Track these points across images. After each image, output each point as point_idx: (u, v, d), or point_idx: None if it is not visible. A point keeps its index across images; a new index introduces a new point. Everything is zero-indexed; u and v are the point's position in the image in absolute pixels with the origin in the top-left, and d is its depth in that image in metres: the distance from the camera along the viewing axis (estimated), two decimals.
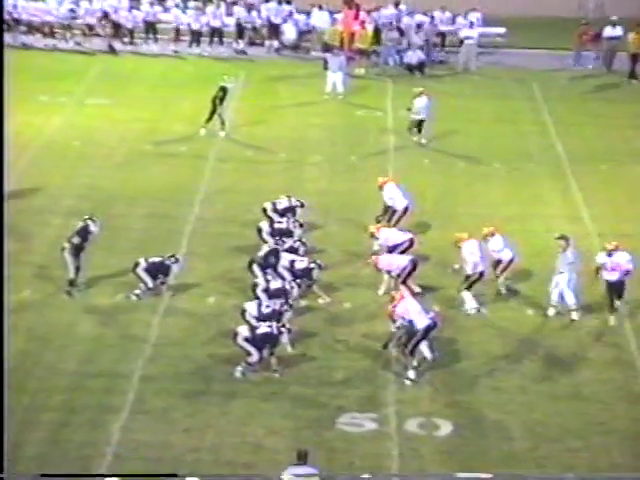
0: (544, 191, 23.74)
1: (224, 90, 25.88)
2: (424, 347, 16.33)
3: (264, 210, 20.24)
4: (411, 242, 19.15)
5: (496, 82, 32.13)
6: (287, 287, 17.54)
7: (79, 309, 18.00)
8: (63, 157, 24.81)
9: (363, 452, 14.49)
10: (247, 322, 16.49)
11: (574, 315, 18.02)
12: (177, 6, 35.22)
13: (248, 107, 28.95)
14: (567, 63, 33.32)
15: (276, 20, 34.68)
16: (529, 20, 35.64)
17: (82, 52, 33.66)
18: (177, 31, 34.37)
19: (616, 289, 17.80)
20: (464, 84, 31.95)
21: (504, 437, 14.95)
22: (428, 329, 16.11)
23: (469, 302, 18.02)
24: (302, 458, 13.08)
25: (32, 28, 34.47)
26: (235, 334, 16.10)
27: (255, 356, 15.98)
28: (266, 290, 17.52)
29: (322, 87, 29.91)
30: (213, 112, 25.84)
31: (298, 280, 18.01)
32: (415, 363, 16.09)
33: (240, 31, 34.48)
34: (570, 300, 18.01)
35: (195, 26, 33.99)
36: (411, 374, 16.02)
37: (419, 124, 25.77)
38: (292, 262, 18.24)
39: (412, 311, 16.20)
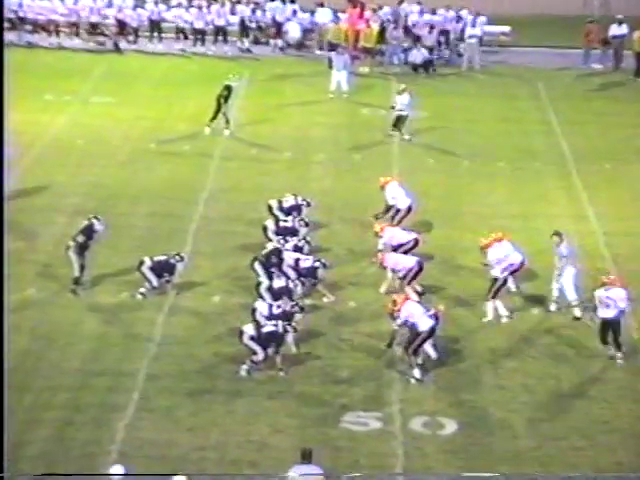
0: (549, 190, 23.72)
1: (229, 89, 25.89)
2: (428, 346, 16.32)
3: (269, 208, 20.25)
4: (416, 242, 19.14)
5: (501, 81, 32.12)
6: (291, 286, 17.54)
7: (83, 308, 18.02)
8: (68, 155, 24.84)
9: (368, 451, 14.49)
10: (255, 321, 16.48)
11: (577, 312, 17.99)
12: (181, 5, 35.24)
13: (253, 106, 28.96)
14: (577, 62, 33.27)
15: (281, 19, 34.70)
16: (534, 18, 35.62)
17: (87, 51, 33.68)
18: (182, 30, 34.39)
19: (613, 328, 16.40)
20: (468, 83, 31.94)
21: (509, 436, 14.93)
22: (432, 330, 16.11)
23: (490, 313, 17.63)
24: (306, 457, 13.08)
25: (37, 26, 34.51)
26: (241, 333, 16.11)
27: (260, 355, 15.99)
28: (269, 289, 17.52)
29: (327, 86, 29.91)
30: (218, 111, 25.84)
31: (303, 279, 18.01)
32: (420, 361, 16.09)
33: (245, 30, 34.49)
34: (571, 296, 17.97)
35: (199, 25, 34.00)
36: (416, 373, 16.02)
37: (400, 120, 25.66)
38: (297, 261, 18.24)
39: (415, 314, 16.19)
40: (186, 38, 34.35)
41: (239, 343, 16.23)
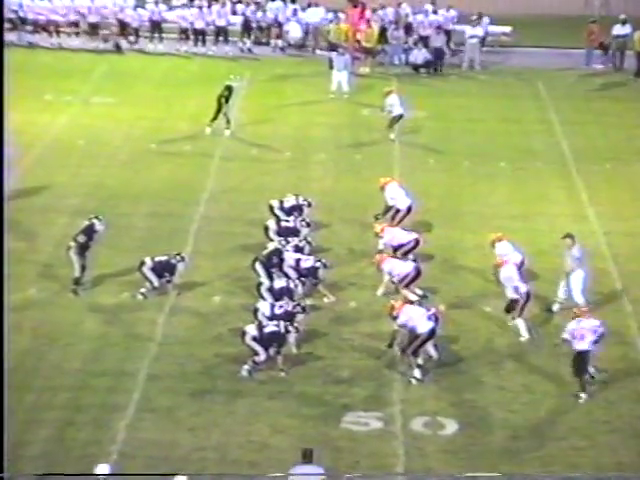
0: (549, 190, 23.72)
1: (229, 89, 25.90)
2: (430, 346, 16.32)
3: (271, 208, 20.25)
4: (416, 242, 19.13)
5: (501, 81, 32.12)
6: (291, 286, 17.53)
7: (84, 308, 18.01)
8: (68, 156, 24.84)
9: (368, 451, 14.48)
10: (257, 321, 16.47)
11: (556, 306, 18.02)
12: (183, 5, 35.26)
13: (253, 106, 28.97)
14: (578, 62, 33.27)
15: (282, 19, 34.71)
16: (534, 19, 35.61)
17: (87, 51, 33.68)
18: (183, 30, 34.38)
19: (585, 359, 15.73)
20: (469, 83, 31.94)
21: (509, 436, 14.93)
22: (432, 332, 16.09)
23: (523, 330, 17.35)
24: (307, 457, 13.08)
25: (38, 27, 34.51)
26: (243, 333, 16.11)
27: (262, 356, 15.98)
28: (270, 289, 17.52)
29: (327, 86, 29.92)
30: (218, 111, 25.85)
31: (303, 279, 18.01)
32: (420, 362, 16.09)
33: (247, 30, 34.47)
34: (579, 299, 17.94)
35: (199, 25, 34.00)
36: (416, 373, 16.02)
37: (394, 120, 25.69)
38: (298, 261, 18.24)
39: (415, 317, 16.18)
40: (187, 39, 34.34)
41: (240, 343, 16.23)
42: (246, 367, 16.02)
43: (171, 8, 35.19)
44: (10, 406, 14.46)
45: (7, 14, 33.90)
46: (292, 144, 26.05)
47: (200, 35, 34.07)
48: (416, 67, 32.56)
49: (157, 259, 18.34)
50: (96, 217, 18.80)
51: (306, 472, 12.90)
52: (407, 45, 33.46)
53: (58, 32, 34.33)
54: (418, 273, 18.12)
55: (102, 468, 12.78)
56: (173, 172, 24.04)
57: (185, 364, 16.38)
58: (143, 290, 18.25)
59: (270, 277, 18.00)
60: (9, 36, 33.66)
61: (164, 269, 18.30)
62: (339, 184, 23.58)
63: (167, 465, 13.94)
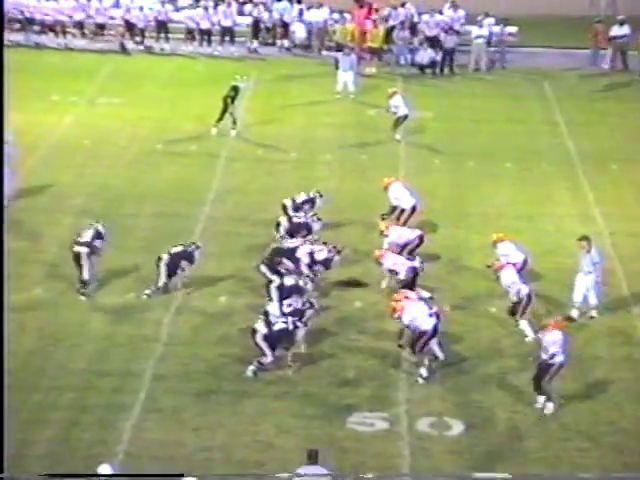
0: (555, 190, 23.67)
1: (236, 89, 25.90)
2: (435, 346, 16.29)
3: (284, 207, 20.22)
4: (421, 239, 19.13)
5: (507, 81, 32.07)
6: (301, 284, 17.48)
7: (89, 308, 18.01)
8: (73, 156, 24.85)
9: (374, 451, 14.46)
10: (267, 320, 16.37)
11: (594, 313, 17.91)
12: (189, 5, 35.26)
13: (259, 106, 28.96)
14: (583, 62, 33.22)
15: (288, 19, 34.70)
16: (540, 19, 35.55)
17: (94, 51, 33.70)
18: (189, 31, 34.37)
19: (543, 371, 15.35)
20: (475, 83, 31.89)
21: (515, 436, 14.90)
22: (435, 329, 16.07)
23: (529, 331, 17.23)
24: (313, 458, 13.07)
25: (45, 27, 34.53)
26: (253, 331, 16.08)
27: (269, 357, 15.96)
28: (280, 287, 17.45)
29: (333, 86, 29.89)
30: (224, 111, 25.84)
31: (316, 269, 17.94)
32: (426, 362, 16.06)
33: (257, 31, 34.41)
34: (592, 300, 17.84)
35: (205, 25, 34.00)
36: (423, 372, 15.99)
37: (399, 120, 25.68)
38: (312, 254, 18.19)
39: (417, 316, 16.14)
40: (193, 39, 34.34)
41: (246, 344, 16.22)
42: (252, 367, 16.00)
43: (177, 9, 35.16)
44: (15, 406, 14.53)
45: (15, 14, 34.12)
46: (298, 144, 26.04)
47: (206, 35, 34.07)
48: (422, 67, 32.51)
49: (173, 251, 18.34)
50: (97, 222, 18.73)
51: (312, 473, 12.87)
52: (413, 45, 33.40)
53: (64, 32, 34.35)
54: (416, 273, 18.02)
55: (104, 468, 12.77)
56: (179, 172, 24.04)
57: (190, 364, 16.37)
58: (148, 291, 18.25)
59: (279, 275, 17.93)
60: (16, 36, 33.82)
61: (182, 259, 18.27)
62: (344, 184, 23.55)
63: (172, 465, 13.93)
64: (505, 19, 33.20)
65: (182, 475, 12.98)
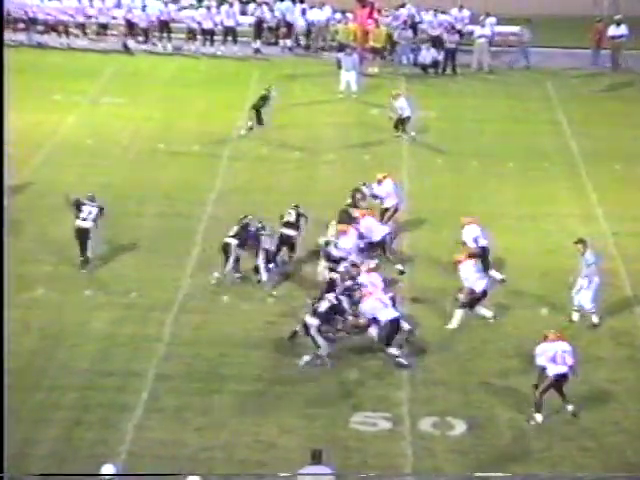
0: (558, 190, 23.65)
1: (264, 98, 25.76)
2: (404, 323, 16.62)
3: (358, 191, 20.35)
4: (386, 236, 19.26)
5: (510, 81, 32.03)
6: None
7: (92, 308, 18.01)
8: (76, 156, 24.84)
9: (377, 451, 14.45)
10: (312, 308, 16.40)
11: (594, 319, 17.81)
12: (191, 5, 35.23)
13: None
14: (587, 62, 33.20)
15: (290, 19, 34.66)
16: (543, 19, 35.45)
17: (96, 51, 33.70)
18: (190, 30, 34.35)
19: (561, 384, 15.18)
20: (477, 83, 31.87)
21: (518, 436, 14.88)
22: (394, 321, 16.27)
23: (455, 320, 17.48)
24: (316, 457, 13.06)
25: (47, 27, 34.52)
26: (306, 327, 16.15)
27: (324, 349, 16.06)
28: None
29: (336, 86, 29.88)
30: (258, 117, 25.68)
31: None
32: (396, 352, 16.22)
33: (260, 31, 34.35)
34: (587, 304, 17.79)
35: (207, 25, 33.97)
36: (401, 361, 16.20)
37: (403, 122, 25.78)
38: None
39: (377, 307, 16.34)
40: (195, 39, 34.30)
41: (248, 343, 16.21)
42: (306, 358, 16.07)
43: (180, 9, 35.11)
44: (18, 406, 14.55)
45: (18, 14, 34.13)
46: (300, 144, 26.02)
47: (209, 35, 34.04)
48: (424, 67, 32.46)
49: (235, 234, 18.57)
50: (90, 198, 19.39)
51: (315, 472, 12.86)
52: (415, 45, 33.35)
53: (67, 32, 34.32)
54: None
55: (107, 468, 12.76)
56: (181, 172, 24.04)
57: (193, 364, 16.37)
58: (216, 274, 18.47)
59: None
60: (19, 36, 33.82)
61: (248, 239, 18.56)
62: (347, 184, 23.46)
63: (175, 465, 13.92)
64: (527, 19, 33.08)
65: (181, 474, 12.99)
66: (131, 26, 34.35)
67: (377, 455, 14.38)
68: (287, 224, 19.29)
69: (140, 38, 34.44)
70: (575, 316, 17.90)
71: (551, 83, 31.45)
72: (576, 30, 33.61)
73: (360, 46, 32.76)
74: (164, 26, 34.36)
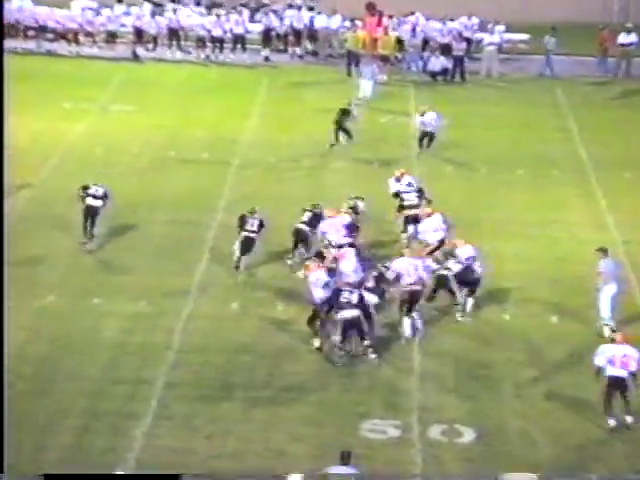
0: (568, 197, 23.67)
1: (344, 112, 25.62)
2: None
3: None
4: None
5: (519, 88, 32.06)
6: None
7: (102, 315, 18.08)
8: (86, 163, 24.91)
9: (386, 459, 14.48)
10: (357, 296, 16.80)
11: (606, 332, 17.81)
12: (200, 13, 35.35)
13: (271, 113, 29.03)
14: (596, 69, 33.25)
15: (298, 26, 34.74)
16: (553, 26, 35.47)
17: (106, 59, 33.83)
18: (200, 38, 34.46)
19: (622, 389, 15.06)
20: (487, 91, 31.90)
21: (527, 444, 14.90)
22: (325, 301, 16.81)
23: (406, 327, 17.51)
24: (345, 459, 13.18)
25: (57, 35, 34.68)
26: (352, 324, 16.58)
27: (368, 340, 16.60)
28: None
29: (345, 93, 29.85)
30: (338, 131, 25.61)
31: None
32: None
33: (267, 38, 34.41)
34: (605, 313, 17.73)
35: (217, 33, 34.07)
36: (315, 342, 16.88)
37: (429, 137, 25.60)
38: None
39: (313, 283, 17.01)
40: (204, 46, 34.40)
41: (257, 350, 16.29)
42: (373, 356, 16.62)
43: (189, 17, 35.20)
44: (28, 412, 14.62)
45: (27, 22, 34.30)
46: (310, 151, 26.07)
47: (218, 43, 34.14)
48: (433, 75, 32.53)
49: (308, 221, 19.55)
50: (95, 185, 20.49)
51: (341, 472, 12.98)
52: (424, 53, 33.42)
53: (77, 40, 34.46)
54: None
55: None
56: (191, 180, 24.11)
57: (202, 372, 16.43)
58: (290, 262, 19.19)
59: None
60: (29, 44, 33.98)
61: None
62: (357, 191, 23.50)
63: (184, 472, 13.94)
64: (553, 28, 33.08)
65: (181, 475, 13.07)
66: (140, 34, 34.51)
67: (386, 462, 14.40)
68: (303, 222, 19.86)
69: (149, 46, 34.59)
70: (606, 331, 17.63)
71: (561, 90, 31.48)
72: (586, 37, 33.62)
73: (369, 54, 32.86)
74: (173, 34, 34.50)
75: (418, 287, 17.45)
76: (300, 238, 19.71)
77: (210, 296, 18.75)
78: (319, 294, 17.03)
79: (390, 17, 33.68)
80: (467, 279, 18.02)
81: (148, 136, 26.89)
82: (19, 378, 15.76)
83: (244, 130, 27.38)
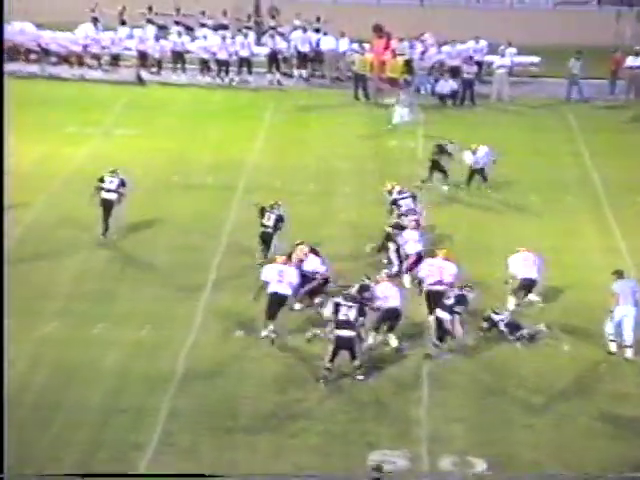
0: (580, 223, 23.67)
1: (440, 149, 25.10)
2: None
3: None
4: (324, 280, 19.42)
5: (530, 112, 32.14)
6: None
7: (104, 343, 18.08)
8: (89, 188, 24.85)
9: None
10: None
11: (629, 353, 17.81)
12: (205, 37, 35.50)
13: (277, 137, 29.14)
14: (604, 92, 33.36)
15: (304, 48, 34.85)
16: (564, 49, 35.61)
17: (109, 82, 33.99)
18: (204, 61, 34.61)
19: None
20: (497, 114, 31.98)
21: (539, 476, 14.83)
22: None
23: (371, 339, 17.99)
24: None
25: (60, 58, 34.88)
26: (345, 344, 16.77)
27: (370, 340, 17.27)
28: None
29: (352, 117, 30.04)
30: (432, 170, 25.09)
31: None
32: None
33: (275, 61, 34.48)
34: (628, 337, 17.75)
35: (222, 56, 34.22)
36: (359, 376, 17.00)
37: (479, 173, 25.20)
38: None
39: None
40: (209, 70, 34.58)
41: (262, 378, 16.25)
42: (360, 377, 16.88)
43: (194, 40, 35.38)
44: (31, 441, 14.61)
45: (30, 45, 34.52)
46: (316, 176, 26.14)
47: (223, 66, 34.29)
48: (442, 97, 32.63)
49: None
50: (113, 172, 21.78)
51: None
52: (433, 76, 33.55)
53: (80, 63, 34.65)
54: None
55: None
56: (195, 204, 24.18)
57: (206, 400, 16.42)
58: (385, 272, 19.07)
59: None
60: (32, 68, 34.18)
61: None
62: (364, 217, 23.60)
63: None
64: (579, 51, 33.16)
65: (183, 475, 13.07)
66: (144, 57, 34.69)
67: None
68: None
69: (153, 69, 34.77)
70: (613, 347, 17.85)
71: (572, 114, 31.54)
72: (598, 61, 33.68)
73: (376, 76, 33.02)
74: (178, 57, 34.67)
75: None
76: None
77: (215, 323, 18.76)
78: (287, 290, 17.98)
79: (401, 40, 33.83)
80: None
81: (152, 160, 26.98)
82: (20, 407, 15.75)
83: (249, 154, 27.46)
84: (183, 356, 17.69)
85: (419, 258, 19.92)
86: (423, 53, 33.86)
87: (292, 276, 18.25)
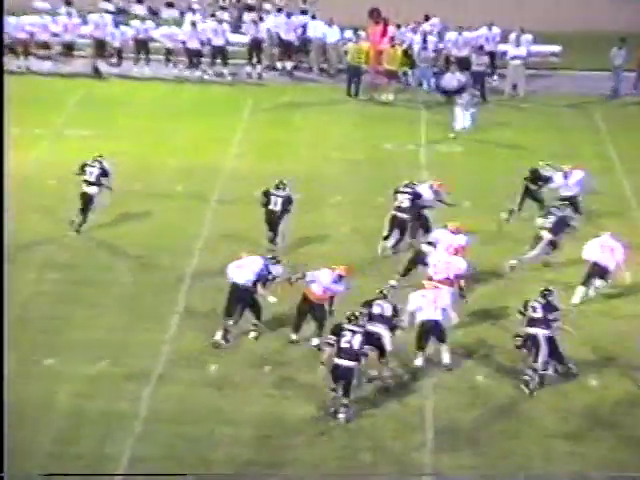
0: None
1: (535, 174, 24.43)
2: None
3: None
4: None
5: (550, 110, 32.28)
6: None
7: (56, 378, 18.07)
8: (38, 198, 25.01)
9: None
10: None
11: None
12: (174, 22, 35.55)
13: (256, 139, 29.24)
14: (630, 87, 33.60)
15: (288, 36, 34.87)
16: (588, 36, 35.85)
17: (61, 75, 34.03)
18: (169, 51, 34.56)
19: None
20: (512, 113, 32.11)
21: (539, 476, 14.98)
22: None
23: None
24: None
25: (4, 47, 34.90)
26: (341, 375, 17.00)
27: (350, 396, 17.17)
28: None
29: (344, 115, 30.09)
30: (524, 196, 24.38)
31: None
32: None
33: (256, 51, 34.43)
34: None
35: (193, 45, 34.24)
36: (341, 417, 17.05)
37: (569, 201, 23.89)
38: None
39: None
40: (177, 61, 34.62)
41: (240, 419, 16.21)
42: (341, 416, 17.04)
43: (159, 26, 35.31)
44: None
45: None
46: (302, 184, 26.11)
47: (194, 57, 34.32)
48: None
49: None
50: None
51: None
52: (437, 68, 33.69)
53: (27, 53, 34.61)
54: None
55: None
56: (161, 217, 24.22)
57: (174, 445, 16.43)
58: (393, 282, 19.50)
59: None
60: None
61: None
62: (358, 230, 23.67)
63: None
64: (622, 39, 33.17)
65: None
66: (102, 46, 34.71)
67: None
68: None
69: (112, 60, 34.81)
70: None
71: (599, 113, 31.68)
72: (628, 49, 33.79)
73: (372, 68, 33.12)
74: (141, 46, 34.70)
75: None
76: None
77: (184, 356, 18.76)
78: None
79: (398, 27, 33.93)
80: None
81: (111, 166, 26.76)
82: None
83: (224, 158, 27.54)
84: (147, 394, 17.69)
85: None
86: (425, 41, 33.87)
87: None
